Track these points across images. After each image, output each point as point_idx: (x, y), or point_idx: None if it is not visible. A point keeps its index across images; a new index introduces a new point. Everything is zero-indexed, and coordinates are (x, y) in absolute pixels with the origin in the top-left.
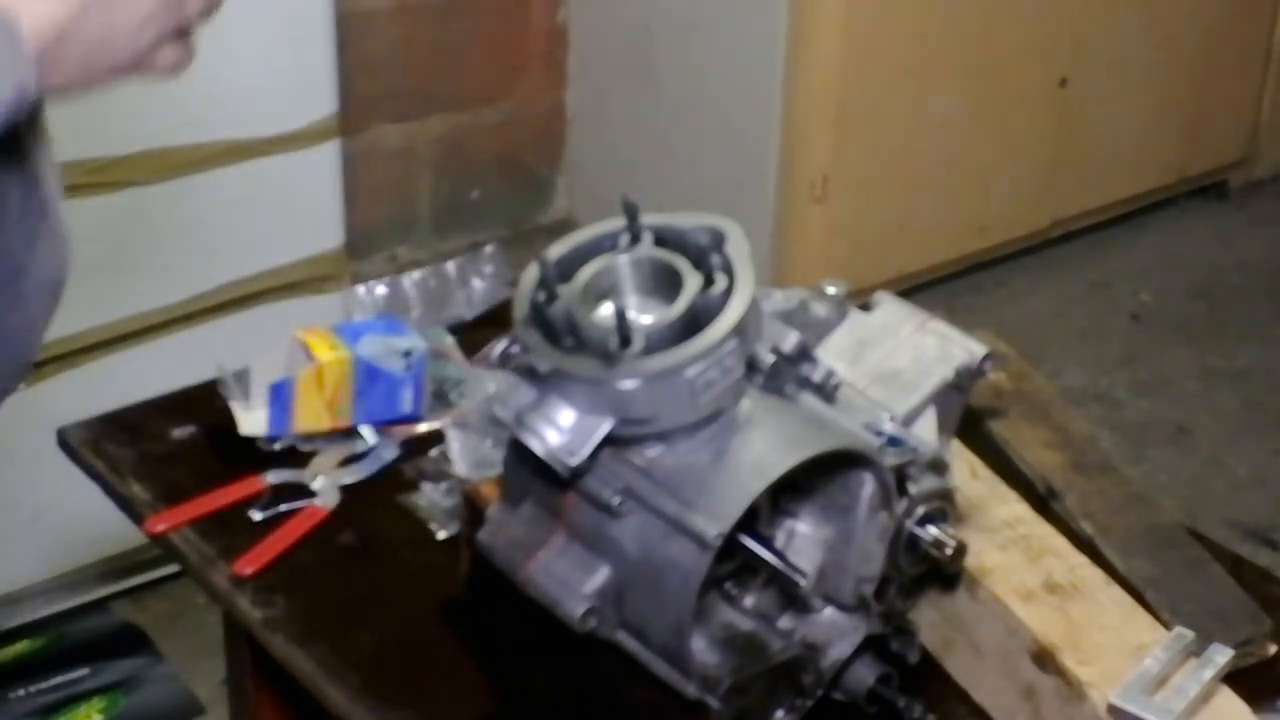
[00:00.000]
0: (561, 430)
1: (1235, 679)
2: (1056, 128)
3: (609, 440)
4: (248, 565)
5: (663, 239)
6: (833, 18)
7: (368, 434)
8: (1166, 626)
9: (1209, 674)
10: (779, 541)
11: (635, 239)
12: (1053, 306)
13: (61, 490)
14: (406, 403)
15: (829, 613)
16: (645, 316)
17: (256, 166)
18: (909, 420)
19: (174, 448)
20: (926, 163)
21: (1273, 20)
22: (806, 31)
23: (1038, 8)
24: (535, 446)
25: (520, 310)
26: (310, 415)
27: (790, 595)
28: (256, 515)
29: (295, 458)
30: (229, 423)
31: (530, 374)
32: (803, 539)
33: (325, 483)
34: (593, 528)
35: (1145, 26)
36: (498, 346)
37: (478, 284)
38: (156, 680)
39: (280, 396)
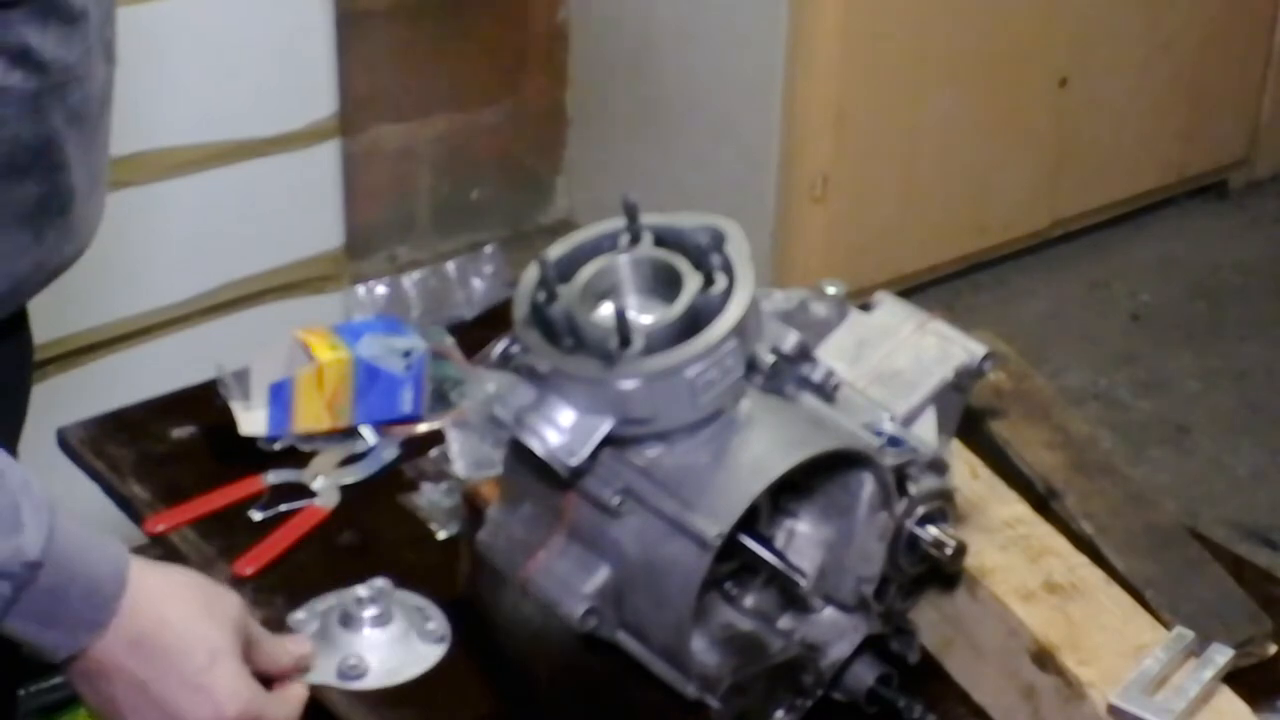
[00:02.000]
0: (561, 430)
1: (1235, 679)
2: (1056, 128)
3: (609, 440)
4: (248, 565)
5: (663, 239)
6: (833, 18)
7: (368, 434)
8: (1166, 626)
9: (1209, 674)
10: (779, 541)
11: (635, 239)
12: (1053, 306)
13: (61, 490)
14: (406, 403)
15: (829, 613)
16: (645, 316)
17: (256, 166)
18: (909, 420)
19: (174, 448)
20: (926, 163)
21: (1273, 20)
22: (806, 31)
23: (1038, 8)
24: (535, 446)
25: (520, 310)
26: (310, 415)
27: (790, 595)
28: (256, 515)
29: (295, 458)
30: (229, 423)
31: (530, 374)
32: (803, 539)
33: (325, 483)
34: (593, 528)
35: (1145, 26)
36: (498, 346)
37: (478, 284)
38: None
39: (280, 396)
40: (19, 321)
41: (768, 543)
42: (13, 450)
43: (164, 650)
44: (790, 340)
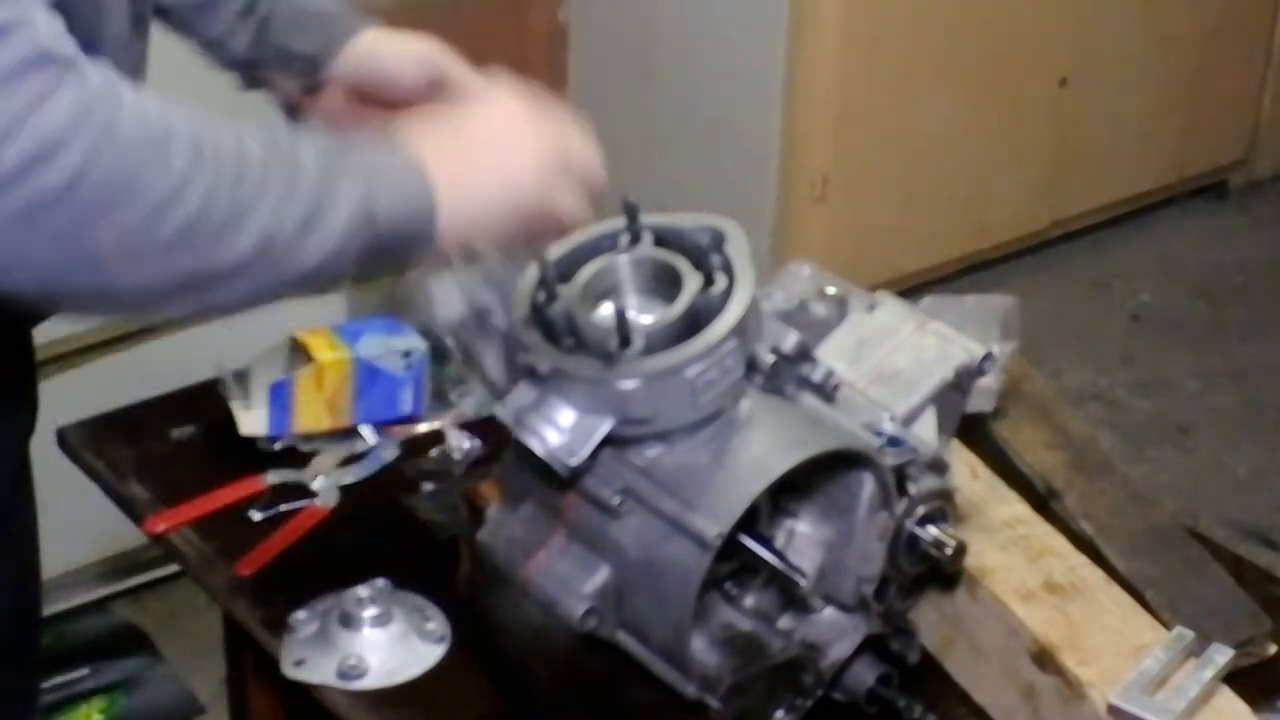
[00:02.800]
0: (561, 430)
1: (1235, 679)
2: (1056, 128)
3: (609, 440)
4: (248, 565)
5: (663, 239)
6: (833, 18)
7: (368, 434)
8: (1166, 626)
9: (1209, 674)
10: (779, 541)
11: (635, 239)
12: (1053, 306)
13: (61, 490)
14: (406, 403)
15: (829, 613)
16: (645, 316)
17: None
18: (909, 420)
19: (174, 448)
20: (926, 163)
21: (1273, 20)
22: (806, 31)
23: (1038, 8)
24: (535, 446)
25: (520, 310)
26: (310, 415)
27: (790, 595)
28: (256, 515)
29: (295, 458)
30: (229, 423)
31: (530, 374)
32: (803, 539)
33: (325, 483)
34: (593, 528)
35: (1146, 26)
36: None
37: None
38: (156, 680)
39: (280, 396)
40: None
41: (768, 543)
42: (22, 453)
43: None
44: (790, 340)
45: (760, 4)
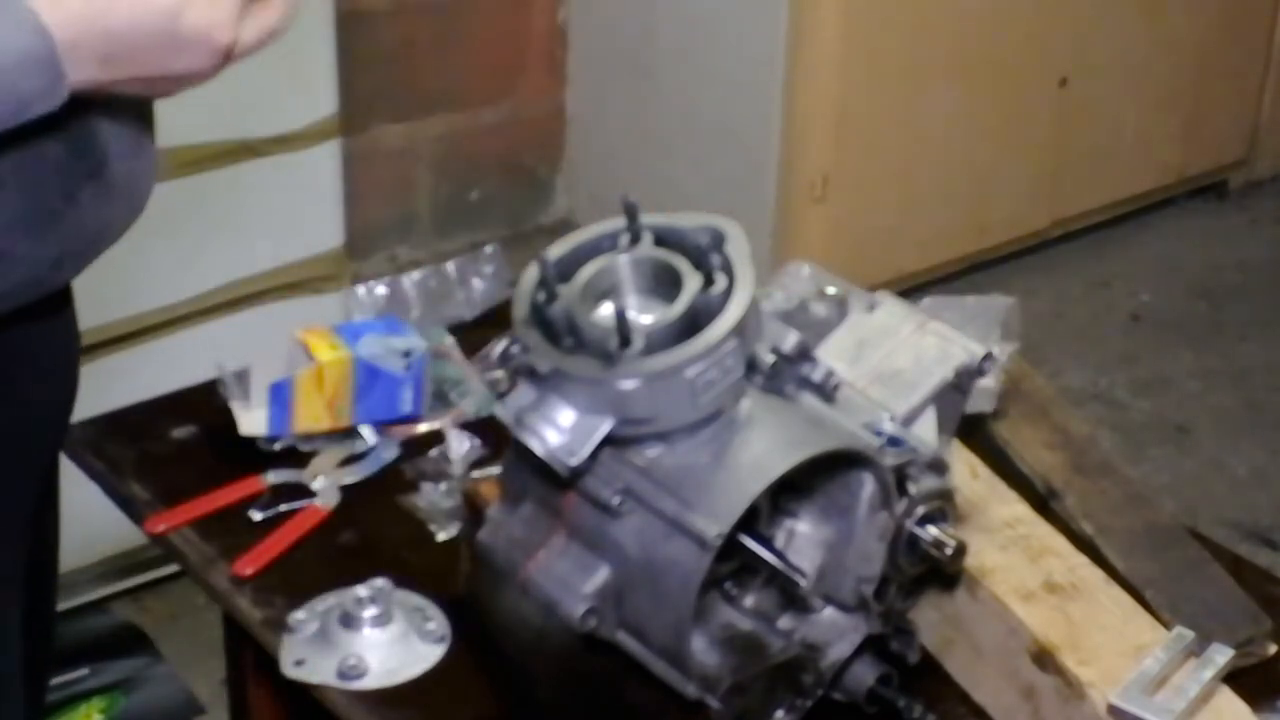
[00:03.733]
0: (561, 430)
1: (1235, 679)
2: (1056, 128)
3: (609, 440)
4: (248, 565)
5: (663, 239)
6: (833, 18)
7: (368, 434)
8: (1166, 626)
9: (1209, 674)
10: (779, 541)
11: (635, 239)
12: (1053, 306)
13: (62, 490)
14: (406, 403)
15: (829, 613)
16: (645, 316)
17: (256, 166)
18: (909, 420)
19: (174, 448)
20: (926, 163)
21: (1273, 20)
22: (806, 31)
23: (1038, 8)
24: (535, 446)
25: (520, 310)
26: (310, 415)
27: (790, 595)
28: (256, 515)
29: (295, 458)
30: (229, 423)
31: (530, 374)
32: (803, 539)
33: (325, 483)
34: (593, 528)
35: (1145, 26)
36: (498, 346)
37: (478, 284)
38: (156, 680)
39: (280, 396)
40: (63, 300)
41: (768, 543)
42: (59, 441)
43: (129, 47)
44: (790, 340)
45: (760, 4)
